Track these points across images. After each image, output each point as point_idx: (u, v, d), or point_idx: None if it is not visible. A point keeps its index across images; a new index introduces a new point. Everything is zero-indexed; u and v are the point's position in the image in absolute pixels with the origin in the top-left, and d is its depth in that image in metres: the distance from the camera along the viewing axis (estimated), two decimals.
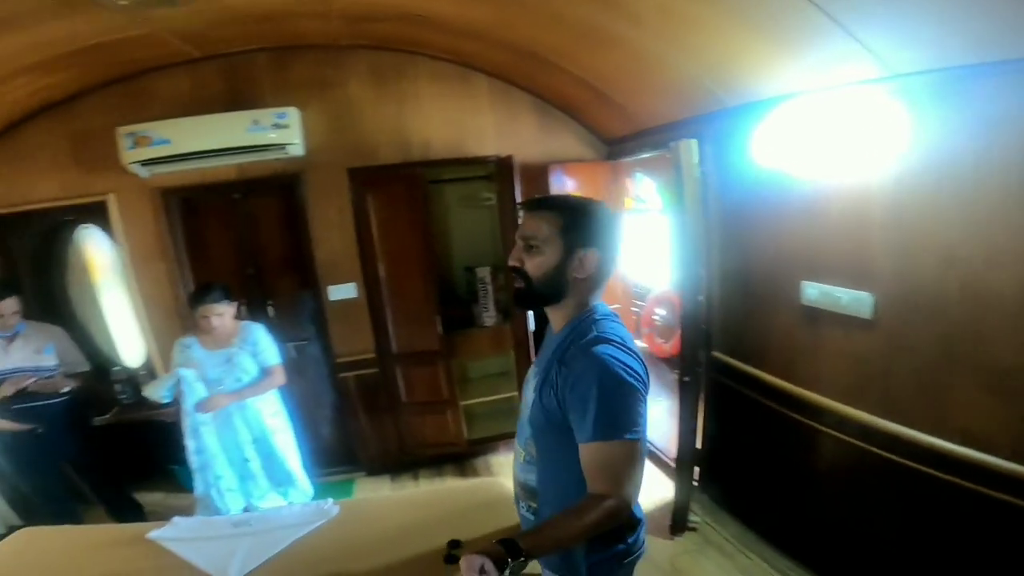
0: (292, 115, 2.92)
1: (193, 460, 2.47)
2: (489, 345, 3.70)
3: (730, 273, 2.62)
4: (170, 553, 1.88)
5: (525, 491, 1.32)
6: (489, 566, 0.94)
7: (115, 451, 3.14)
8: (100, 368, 3.36)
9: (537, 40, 2.53)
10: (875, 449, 1.86)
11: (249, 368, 2.54)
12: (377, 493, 3.29)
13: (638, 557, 1.31)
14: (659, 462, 3.14)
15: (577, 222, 1.19)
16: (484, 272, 3.62)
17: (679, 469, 2.51)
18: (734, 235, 2.55)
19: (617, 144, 3.47)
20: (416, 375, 3.48)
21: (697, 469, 2.71)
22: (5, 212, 3.07)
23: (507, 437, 3.62)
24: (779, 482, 2.39)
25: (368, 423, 3.47)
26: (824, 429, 2.07)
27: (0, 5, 1.84)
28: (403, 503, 2.31)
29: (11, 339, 2.58)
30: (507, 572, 0.98)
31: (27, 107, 2.83)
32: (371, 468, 3.51)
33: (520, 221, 1.25)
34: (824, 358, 2.10)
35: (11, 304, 2.57)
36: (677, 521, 2.50)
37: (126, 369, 3.42)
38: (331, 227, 3.25)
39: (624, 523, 1.22)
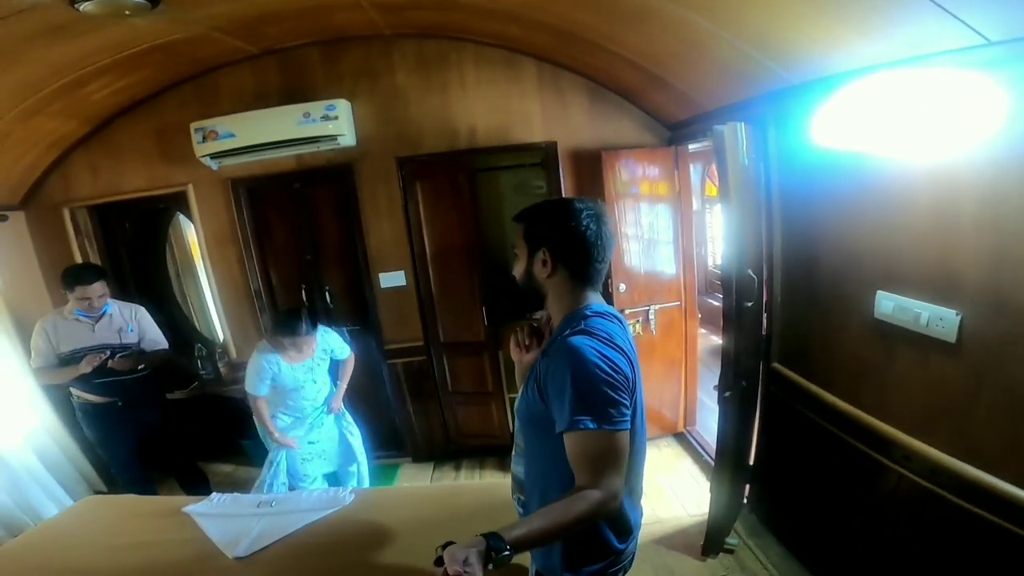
0: (341, 106, 2.98)
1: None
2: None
3: (795, 275, 2.30)
4: (198, 527, 2.02)
5: (516, 482, 1.40)
6: (473, 558, 0.93)
7: (189, 425, 3.45)
8: (185, 344, 3.71)
9: (576, 20, 2.35)
10: (944, 492, 1.55)
11: (323, 369, 2.78)
12: (411, 484, 3.38)
13: (627, 567, 1.34)
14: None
15: (531, 226, 1.25)
16: None
17: (716, 486, 2.28)
18: (800, 231, 2.23)
19: (680, 128, 3.18)
20: (462, 365, 3.48)
21: (748, 487, 2.45)
22: (104, 201, 3.44)
23: None
24: (833, 512, 2.09)
25: (415, 410, 3.53)
26: (887, 463, 1.76)
27: (63, 13, 1.99)
28: (416, 498, 2.32)
29: (98, 319, 2.87)
30: (490, 565, 0.97)
31: (114, 105, 3.12)
32: (416, 455, 3.58)
33: None
34: (894, 382, 1.77)
35: (99, 288, 2.82)
36: (711, 541, 2.28)
37: (206, 346, 3.75)
38: (381, 215, 3.30)
39: (619, 528, 1.27)
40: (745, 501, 2.51)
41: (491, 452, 3.56)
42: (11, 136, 2.88)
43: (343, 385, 2.90)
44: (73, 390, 2.88)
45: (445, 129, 3.19)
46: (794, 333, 2.33)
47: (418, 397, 3.52)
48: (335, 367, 2.90)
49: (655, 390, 3.53)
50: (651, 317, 3.42)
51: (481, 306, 3.35)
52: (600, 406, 1.09)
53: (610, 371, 1.11)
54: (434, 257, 3.34)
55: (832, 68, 1.80)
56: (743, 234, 2.02)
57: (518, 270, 1.29)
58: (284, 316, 2.58)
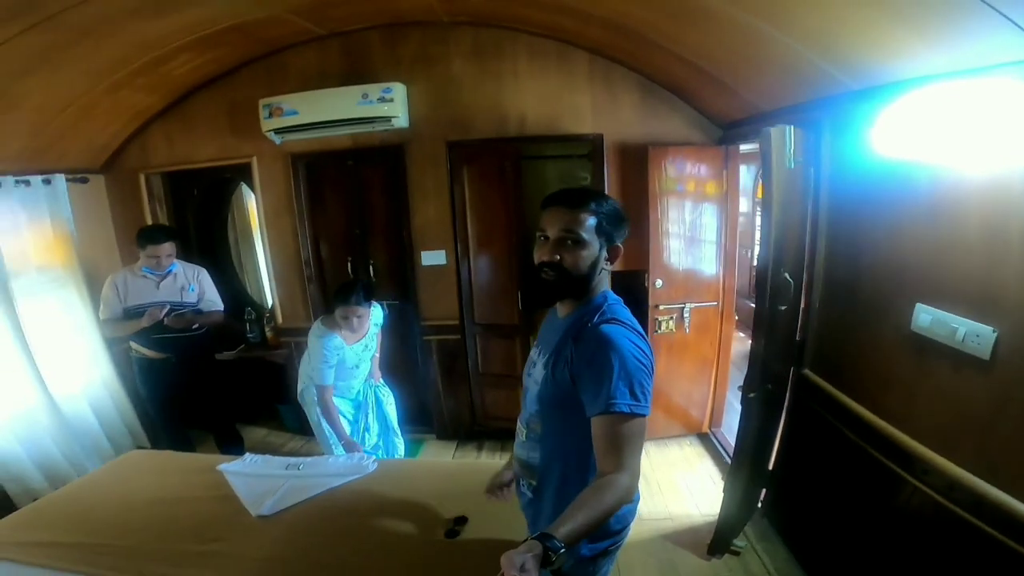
0: (396, 90, 3.10)
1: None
2: None
3: (836, 282, 2.27)
4: (229, 484, 2.17)
5: (526, 469, 1.41)
6: (529, 564, 0.92)
7: (232, 385, 3.69)
8: (236, 308, 3.96)
9: (630, 15, 2.37)
10: (959, 510, 1.52)
11: (375, 345, 2.89)
12: (429, 458, 3.50)
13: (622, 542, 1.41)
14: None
15: (608, 219, 1.27)
16: None
17: (729, 486, 2.28)
18: (846, 238, 2.19)
19: (732, 128, 3.14)
20: (493, 347, 3.58)
21: (764, 492, 2.45)
22: (176, 169, 3.70)
23: None
24: (845, 523, 2.07)
25: (444, 388, 3.66)
26: (906, 475, 1.74)
27: None
28: (435, 471, 2.44)
29: (163, 277, 3.09)
30: (550, 569, 0.97)
31: (192, 81, 3.36)
32: (441, 432, 3.71)
33: (547, 216, 1.28)
34: (922, 394, 1.74)
35: (168, 247, 3.05)
36: (718, 541, 2.29)
37: (256, 310, 3.99)
38: (428, 196, 3.42)
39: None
40: (760, 505, 2.50)
41: (514, 436, 3.64)
42: (98, 107, 3.15)
43: (377, 355, 3.01)
44: (132, 344, 3.13)
45: (495, 116, 3.27)
46: (828, 341, 2.30)
47: (449, 375, 3.65)
48: None
49: (683, 388, 3.53)
50: (686, 315, 3.41)
51: (517, 290, 3.43)
52: (635, 391, 1.14)
53: (643, 358, 1.19)
54: (475, 239, 3.44)
55: (894, 75, 1.76)
56: (783, 237, 2.00)
57: (584, 259, 1.25)
58: (341, 287, 2.60)
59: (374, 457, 2.39)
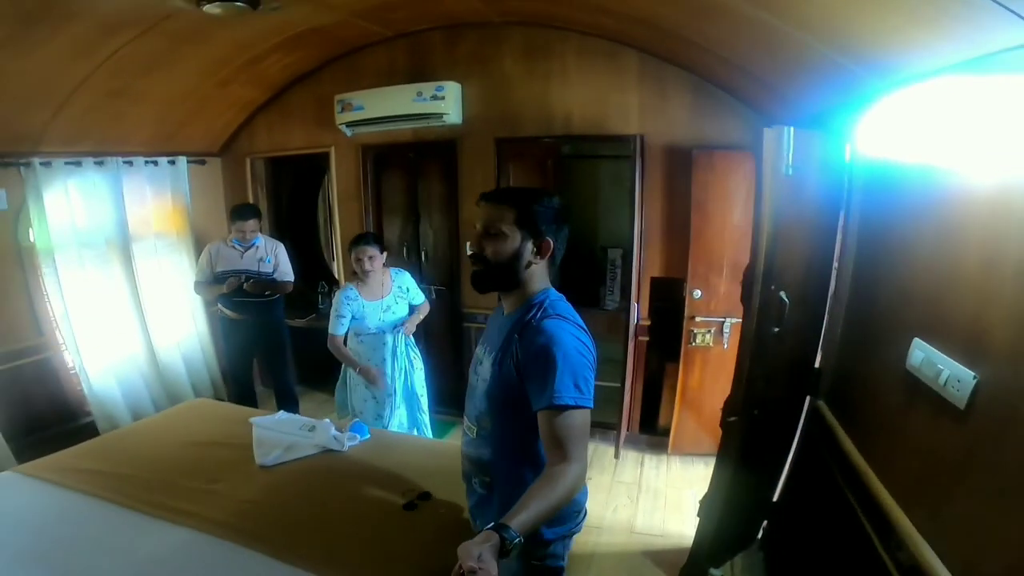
0: (448, 87, 3.29)
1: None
2: (606, 328, 3.62)
3: (856, 308, 2.06)
4: (251, 435, 2.46)
5: (477, 466, 1.42)
6: (486, 554, 0.94)
7: (297, 350, 4.12)
8: (316, 281, 4.43)
9: (657, 14, 2.31)
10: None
11: (401, 312, 2.92)
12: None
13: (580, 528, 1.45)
14: None
15: (531, 213, 1.30)
16: (616, 254, 3.53)
17: (704, 512, 2.16)
18: (871, 257, 1.97)
19: None
20: None
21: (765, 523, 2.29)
22: (274, 155, 4.24)
23: (602, 426, 3.55)
24: None
25: None
26: (880, 549, 1.51)
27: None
28: (424, 448, 2.59)
29: (247, 249, 3.58)
30: (509, 558, 0.99)
31: (285, 77, 3.82)
32: None
33: (478, 211, 1.38)
34: (904, 441, 1.56)
35: (252, 224, 3.52)
36: (691, 567, 2.18)
37: (328, 284, 4.44)
38: (476, 189, 3.50)
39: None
40: (760, 536, 2.34)
41: None
42: (212, 100, 3.71)
43: (417, 316, 2.97)
44: (219, 305, 3.66)
45: (542, 115, 3.33)
46: (843, 372, 2.09)
47: None
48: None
49: (715, 406, 3.32)
50: (726, 331, 3.22)
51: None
52: (578, 384, 1.18)
53: (585, 353, 1.23)
54: None
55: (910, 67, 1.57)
56: (774, 251, 1.86)
57: (496, 250, 1.30)
58: (355, 236, 2.82)
59: (367, 428, 2.56)
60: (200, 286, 3.61)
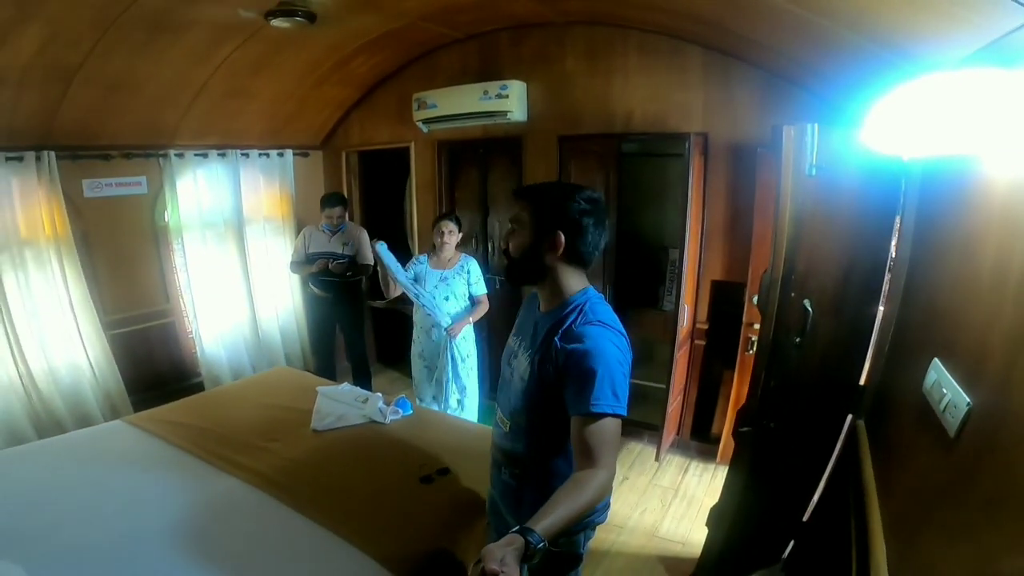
0: (513, 86, 3.41)
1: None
2: (661, 329, 3.55)
3: (906, 320, 1.88)
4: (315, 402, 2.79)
5: (509, 458, 1.45)
6: (509, 557, 0.93)
7: (377, 331, 4.49)
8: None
9: (705, 9, 2.25)
10: None
11: (458, 290, 3.08)
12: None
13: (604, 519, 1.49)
14: None
15: (544, 208, 1.32)
16: (676, 255, 3.44)
17: (713, 524, 2.08)
18: (924, 265, 1.80)
19: None
20: None
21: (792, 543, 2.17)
22: (364, 149, 4.65)
23: (647, 428, 3.51)
24: None
25: None
26: (853, 567, 1.44)
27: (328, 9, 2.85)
28: (461, 428, 2.74)
29: (334, 233, 3.99)
30: (533, 563, 0.98)
31: (373, 77, 4.18)
32: None
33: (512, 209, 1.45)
34: (903, 469, 1.44)
35: (339, 211, 3.92)
36: None
37: None
38: None
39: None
40: (785, 555, 2.22)
41: None
42: (311, 99, 4.17)
43: (469, 317, 3.12)
44: (310, 283, 4.12)
45: (603, 113, 3.34)
46: (883, 390, 1.92)
47: None
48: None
49: None
50: None
51: (606, 285, 3.48)
52: (614, 395, 1.19)
53: (623, 361, 1.25)
54: None
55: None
56: (794, 257, 1.75)
57: (517, 245, 1.34)
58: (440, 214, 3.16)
59: (410, 405, 2.78)
60: (295, 265, 4.10)
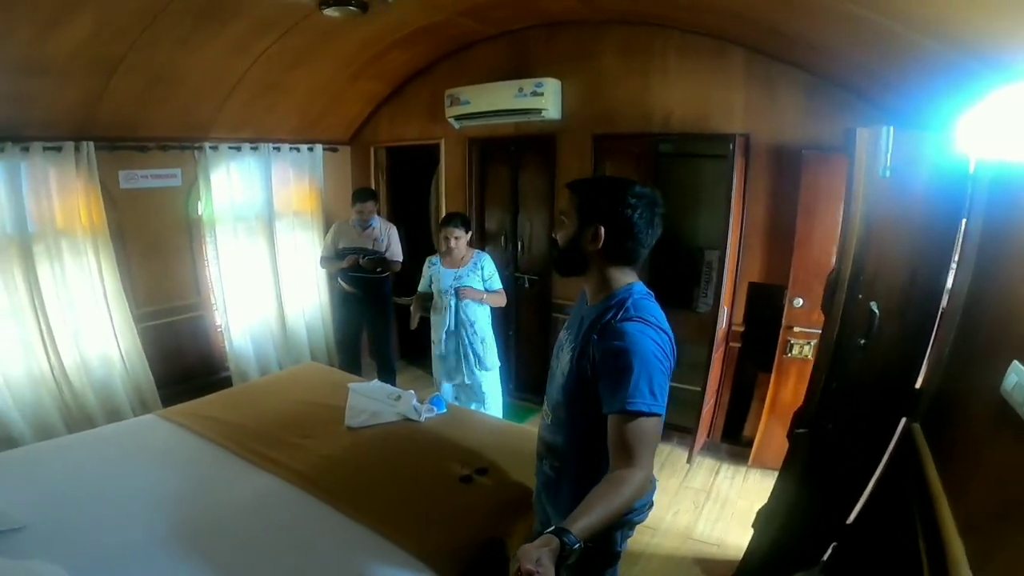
0: (548, 84, 3.39)
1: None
2: (696, 332, 3.51)
3: (969, 323, 1.84)
4: (347, 398, 2.77)
5: (550, 450, 1.45)
6: (545, 559, 0.93)
7: (403, 328, 4.44)
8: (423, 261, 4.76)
9: (752, 8, 2.22)
10: None
11: (472, 284, 3.03)
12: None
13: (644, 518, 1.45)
14: None
15: (589, 201, 1.32)
16: (712, 256, 3.42)
17: (760, 526, 2.05)
18: (991, 268, 1.76)
19: None
20: None
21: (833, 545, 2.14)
22: (393, 145, 4.64)
23: (680, 430, 3.47)
24: None
25: None
26: (924, 562, 1.42)
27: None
28: (497, 428, 2.71)
29: (364, 228, 3.98)
30: (569, 563, 0.98)
31: (406, 72, 4.18)
32: None
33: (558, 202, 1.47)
34: (979, 469, 1.41)
35: (369, 206, 3.91)
36: None
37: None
38: None
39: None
40: (825, 557, 2.18)
41: None
42: (344, 93, 4.17)
43: (485, 296, 3.04)
44: (339, 279, 4.11)
45: (640, 112, 3.32)
46: (944, 393, 1.89)
47: None
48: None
49: None
50: None
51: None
52: (651, 393, 1.16)
53: (663, 359, 1.21)
54: None
55: None
56: (863, 258, 1.73)
57: (563, 236, 1.35)
58: (446, 215, 3.16)
59: (444, 403, 2.78)
60: (325, 260, 4.09)
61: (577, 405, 1.34)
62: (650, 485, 1.19)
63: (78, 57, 2.67)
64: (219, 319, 4.15)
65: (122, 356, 3.51)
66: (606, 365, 1.21)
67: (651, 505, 1.45)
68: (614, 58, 3.34)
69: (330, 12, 2.74)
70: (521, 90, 3.45)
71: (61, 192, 3.19)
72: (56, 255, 3.22)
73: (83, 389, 3.34)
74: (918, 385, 2.10)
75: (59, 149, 3.11)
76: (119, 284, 3.45)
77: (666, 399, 1.20)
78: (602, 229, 1.28)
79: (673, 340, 1.28)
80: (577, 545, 0.98)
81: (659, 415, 1.17)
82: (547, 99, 3.41)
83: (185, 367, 3.96)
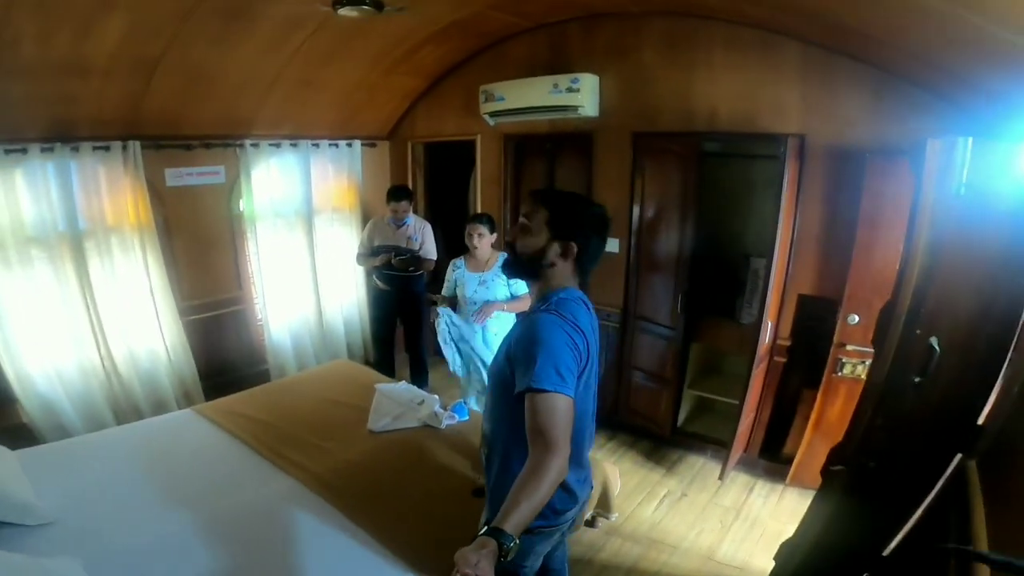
0: (584, 80, 3.23)
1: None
2: (737, 342, 3.32)
3: None
4: (372, 399, 2.78)
5: (484, 437, 1.52)
6: (484, 562, 0.96)
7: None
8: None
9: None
10: None
11: (498, 293, 2.95)
12: None
13: (564, 533, 1.51)
14: None
15: (561, 216, 1.37)
16: (759, 264, 3.19)
17: (781, 558, 1.89)
18: None
19: None
20: (647, 343, 3.52)
21: None
22: (430, 140, 4.59)
23: (712, 442, 3.30)
24: None
25: None
26: None
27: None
28: None
29: (399, 226, 3.96)
30: (507, 560, 1.01)
31: (440, 68, 4.09)
32: None
33: (524, 204, 1.48)
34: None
35: (404, 205, 3.86)
36: None
37: None
38: (610, 184, 3.49)
39: (561, 492, 1.35)
40: None
41: (647, 436, 3.56)
42: (380, 88, 4.14)
43: (505, 304, 2.91)
44: (374, 276, 4.12)
45: (683, 109, 3.11)
46: (1009, 432, 1.67)
47: (600, 360, 3.74)
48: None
49: None
50: None
51: (679, 292, 3.28)
52: (553, 373, 1.21)
53: (566, 346, 1.26)
54: (646, 233, 3.39)
55: None
56: (927, 288, 1.52)
57: (527, 244, 1.38)
58: (472, 214, 3.04)
59: (468, 410, 2.73)
60: (361, 257, 4.11)
61: (497, 390, 1.41)
62: (565, 465, 1.18)
63: (117, 58, 2.73)
64: (259, 313, 4.25)
65: (167, 349, 3.65)
66: (519, 349, 1.28)
67: (587, 480, 1.51)
68: (655, 52, 3.14)
69: (345, 12, 2.69)
70: (556, 86, 3.30)
71: (110, 190, 3.32)
72: (106, 251, 3.36)
73: (131, 381, 3.49)
74: (980, 421, 1.88)
75: (107, 148, 3.22)
76: (165, 279, 3.57)
77: (575, 383, 1.23)
78: (575, 247, 1.35)
79: (591, 343, 1.34)
80: (513, 544, 1.02)
81: (567, 396, 1.20)
82: (583, 96, 3.25)
83: (226, 360, 4.09)
